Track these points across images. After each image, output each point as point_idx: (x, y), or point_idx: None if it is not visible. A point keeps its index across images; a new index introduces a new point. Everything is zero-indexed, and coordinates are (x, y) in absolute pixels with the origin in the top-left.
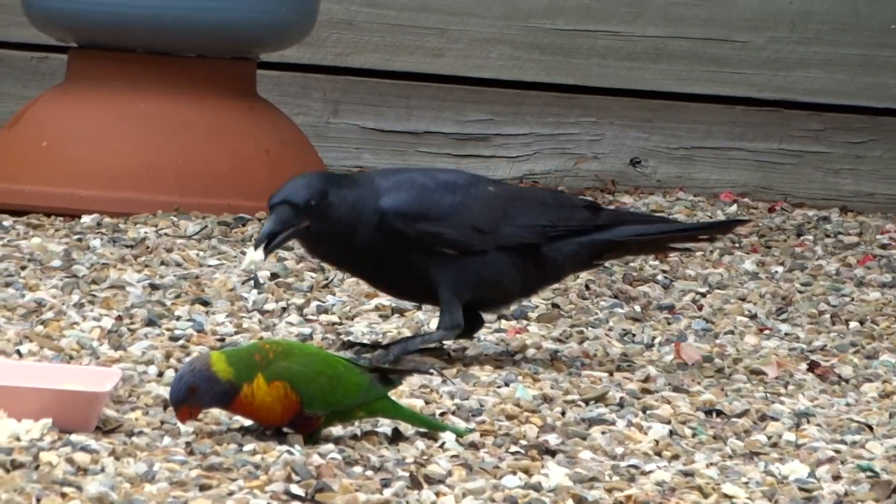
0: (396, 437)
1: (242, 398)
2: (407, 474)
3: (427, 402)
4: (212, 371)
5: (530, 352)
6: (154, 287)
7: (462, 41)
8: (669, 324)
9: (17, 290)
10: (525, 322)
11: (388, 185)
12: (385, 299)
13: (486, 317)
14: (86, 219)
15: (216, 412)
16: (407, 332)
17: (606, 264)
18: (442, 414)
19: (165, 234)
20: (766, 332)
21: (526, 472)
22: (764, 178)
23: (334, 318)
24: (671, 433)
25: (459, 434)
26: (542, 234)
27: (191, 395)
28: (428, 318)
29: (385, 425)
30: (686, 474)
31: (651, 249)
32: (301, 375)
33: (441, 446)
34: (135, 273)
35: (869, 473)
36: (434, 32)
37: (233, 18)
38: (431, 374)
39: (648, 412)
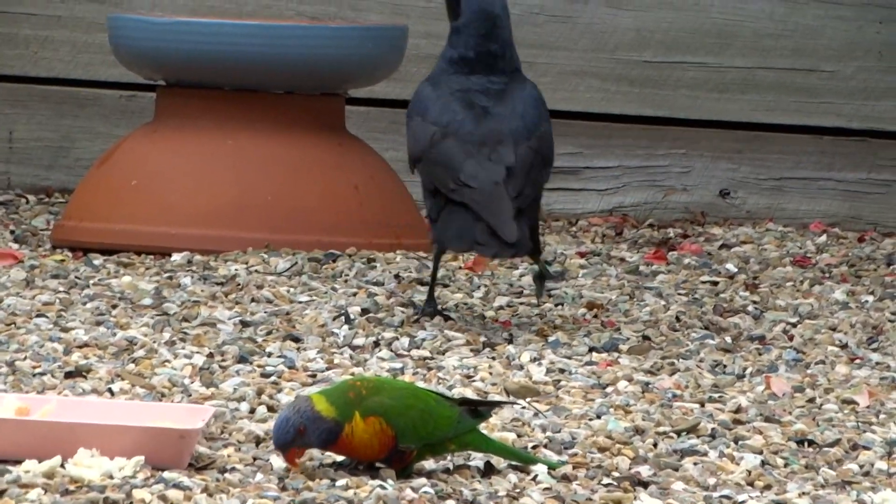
0: (489, 471)
1: (345, 437)
2: None
3: (519, 436)
4: (316, 411)
5: (622, 384)
6: (245, 324)
7: (550, 74)
8: (760, 354)
9: (108, 329)
10: (616, 354)
11: None
12: (480, 333)
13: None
14: (176, 257)
15: None
16: (499, 368)
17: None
18: (534, 447)
19: (256, 272)
20: (857, 361)
21: (619, 503)
22: (853, 208)
23: (425, 353)
24: (763, 463)
25: (552, 467)
26: None
27: (298, 437)
28: (518, 352)
29: (477, 459)
30: None
31: None
32: (394, 410)
33: (533, 479)
34: (226, 310)
35: None
36: (522, 66)
37: (321, 55)
38: (523, 407)
39: (740, 443)
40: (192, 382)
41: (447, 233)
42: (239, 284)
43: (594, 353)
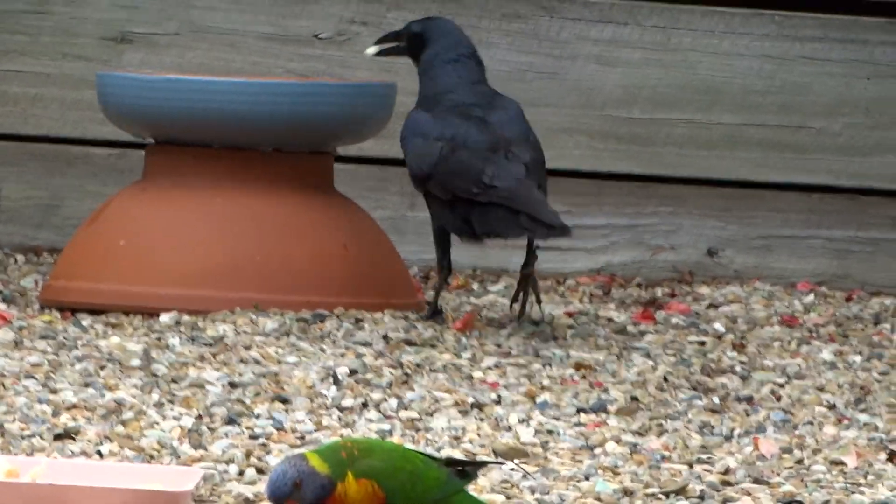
0: None
1: (337, 496)
2: None
3: (508, 497)
4: (311, 466)
5: (610, 445)
6: (233, 385)
7: (538, 131)
8: (748, 415)
9: (96, 390)
10: (604, 415)
11: None
12: (468, 394)
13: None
14: (164, 317)
15: None
16: (487, 429)
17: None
18: None
19: (244, 332)
20: (845, 422)
21: None
22: (841, 267)
23: (413, 414)
24: None
25: None
26: None
27: (295, 490)
28: (506, 413)
29: None
30: None
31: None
32: (385, 472)
33: None
34: (214, 371)
35: None
36: None
37: (310, 112)
38: (511, 468)
39: None
40: (181, 444)
41: (489, 227)
42: (227, 345)
43: (582, 414)
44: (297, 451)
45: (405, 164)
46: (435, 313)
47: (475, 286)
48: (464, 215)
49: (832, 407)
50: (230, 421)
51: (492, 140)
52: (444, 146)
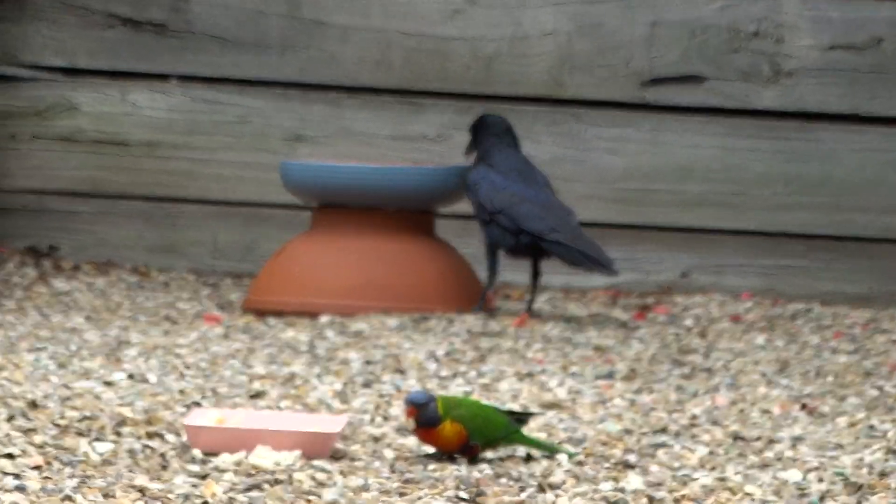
0: (528, 459)
1: (439, 430)
2: (536, 483)
3: (549, 435)
4: (435, 402)
5: (617, 400)
6: (368, 362)
7: (569, 197)
8: (708, 380)
9: (277, 366)
10: (613, 381)
11: None
12: (523, 367)
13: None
14: (323, 318)
15: (410, 443)
16: (535, 390)
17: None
18: (559, 442)
19: (376, 327)
20: (772, 384)
21: (615, 479)
22: (769, 283)
23: (487, 381)
24: (710, 452)
25: (570, 455)
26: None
27: (423, 406)
28: (548, 379)
29: (520, 451)
30: (721, 479)
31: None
32: (467, 418)
33: (558, 464)
34: (355, 353)
35: (842, 477)
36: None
37: (420, 186)
38: (551, 416)
39: (695, 438)
40: (333, 401)
41: (551, 257)
42: (364, 336)
43: (598, 380)
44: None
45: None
46: (483, 301)
47: (527, 296)
48: (527, 243)
49: (764, 375)
50: (366, 385)
51: (546, 198)
52: (514, 196)
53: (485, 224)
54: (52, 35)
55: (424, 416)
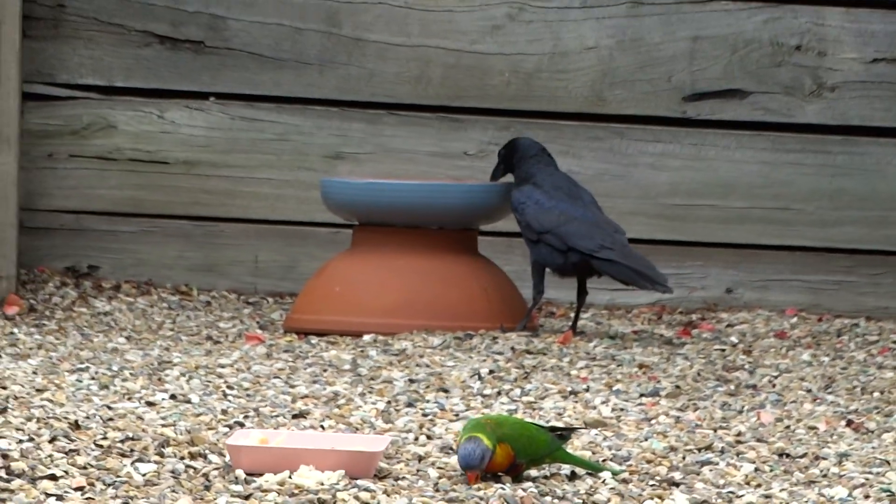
0: (572, 477)
1: (492, 458)
2: (580, 501)
3: (593, 453)
4: (485, 443)
5: (661, 418)
6: (411, 381)
7: (612, 214)
8: (753, 397)
9: (320, 385)
10: (658, 398)
11: None
12: (567, 385)
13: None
14: (366, 337)
15: (454, 462)
16: (579, 408)
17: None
18: (603, 460)
19: (419, 346)
20: (818, 401)
21: (660, 498)
22: (815, 299)
23: (531, 399)
24: (756, 469)
25: (615, 473)
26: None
27: (480, 463)
28: (592, 397)
29: (565, 469)
30: (766, 497)
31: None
32: (513, 437)
33: (603, 482)
34: (399, 372)
35: (889, 493)
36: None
37: (462, 203)
38: (596, 434)
39: (740, 456)
40: (377, 420)
41: (603, 274)
42: (407, 355)
43: (643, 398)
44: (453, 425)
45: (520, 228)
46: (527, 319)
47: (572, 314)
48: (576, 262)
49: (809, 391)
50: (409, 405)
51: (593, 217)
52: (561, 215)
53: (532, 244)
54: (89, 54)
55: (484, 464)
